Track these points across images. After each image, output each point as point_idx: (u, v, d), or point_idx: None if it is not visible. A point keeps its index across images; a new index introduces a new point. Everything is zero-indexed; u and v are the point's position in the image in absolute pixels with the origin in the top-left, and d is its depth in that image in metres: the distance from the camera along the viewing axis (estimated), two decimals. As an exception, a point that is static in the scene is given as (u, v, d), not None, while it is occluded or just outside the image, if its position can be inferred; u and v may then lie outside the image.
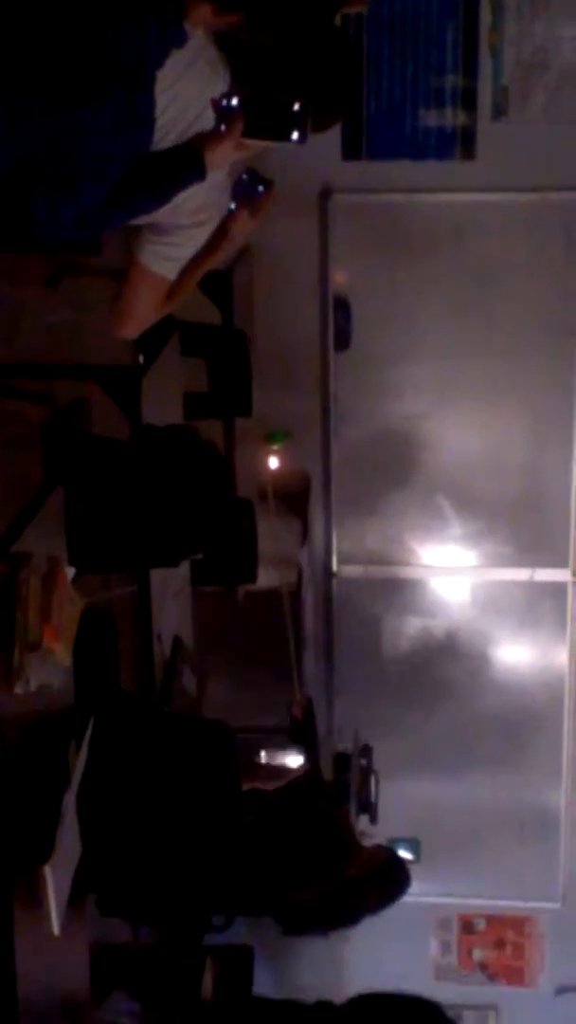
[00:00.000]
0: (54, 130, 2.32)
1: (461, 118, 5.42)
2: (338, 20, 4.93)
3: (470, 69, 5.36)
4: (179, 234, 2.69)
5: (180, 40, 2.25)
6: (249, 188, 2.68)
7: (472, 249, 5.53)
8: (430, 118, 5.43)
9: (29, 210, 2.43)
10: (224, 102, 2.42)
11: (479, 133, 5.43)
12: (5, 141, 2.30)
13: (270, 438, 5.39)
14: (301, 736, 4.91)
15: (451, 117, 5.42)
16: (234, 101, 2.42)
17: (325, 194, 5.49)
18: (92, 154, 2.35)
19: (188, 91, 2.51)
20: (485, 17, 5.31)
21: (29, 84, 2.28)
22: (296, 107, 2.40)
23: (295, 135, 2.43)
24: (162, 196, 2.50)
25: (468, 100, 5.40)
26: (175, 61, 2.39)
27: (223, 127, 2.43)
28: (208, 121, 2.49)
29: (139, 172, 2.42)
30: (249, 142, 2.45)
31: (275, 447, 5.40)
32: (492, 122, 5.42)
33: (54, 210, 2.42)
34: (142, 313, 2.78)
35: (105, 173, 2.40)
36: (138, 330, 2.84)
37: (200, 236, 2.72)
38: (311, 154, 5.04)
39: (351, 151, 5.45)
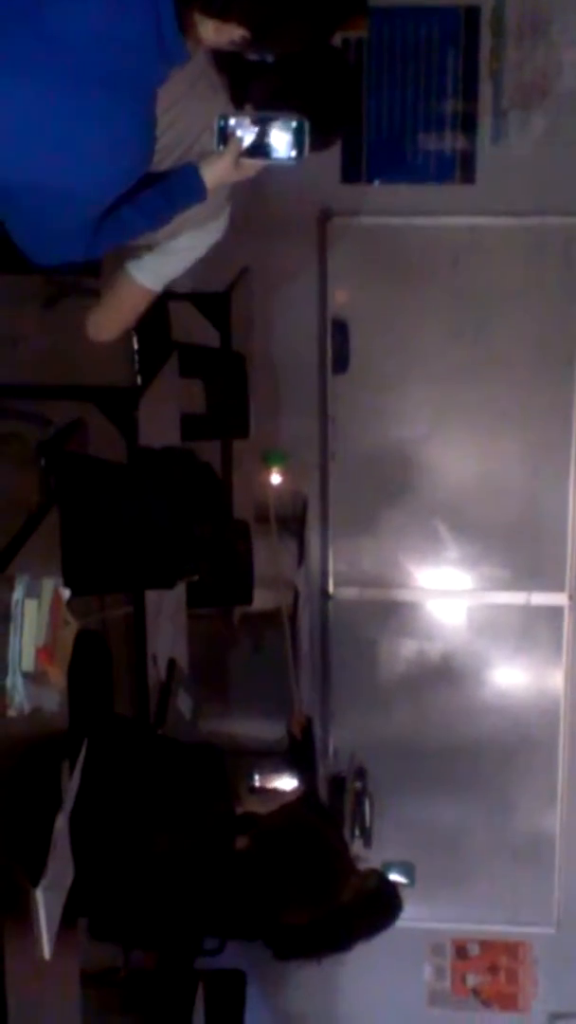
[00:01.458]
0: None
1: (461, 142, 5.44)
2: (339, 43, 4.98)
3: (470, 93, 5.38)
4: (176, 254, 2.70)
5: (182, 57, 2.24)
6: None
7: (471, 273, 5.54)
8: (430, 142, 5.45)
9: (23, 231, 2.43)
10: (222, 123, 2.42)
11: (478, 157, 5.45)
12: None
13: (267, 458, 5.38)
14: (299, 755, 4.89)
15: (451, 141, 5.44)
16: (232, 121, 2.42)
17: (324, 217, 5.50)
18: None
19: (188, 114, 2.51)
20: (485, 42, 5.34)
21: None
22: (294, 125, 2.40)
23: (293, 153, 2.42)
24: (161, 217, 2.51)
25: (468, 124, 5.42)
26: (176, 83, 2.39)
27: (221, 147, 2.43)
28: (208, 144, 2.49)
29: (138, 193, 2.42)
30: (248, 162, 2.45)
31: (272, 468, 5.40)
32: (492, 146, 5.44)
33: (51, 229, 2.42)
34: (126, 321, 2.87)
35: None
36: (118, 335, 2.90)
37: (195, 255, 2.74)
38: (310, 177, 5.13)
39: (351, 174, 5.47)
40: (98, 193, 2.34)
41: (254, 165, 2.47)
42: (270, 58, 2.46)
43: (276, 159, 2.44)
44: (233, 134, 2.41)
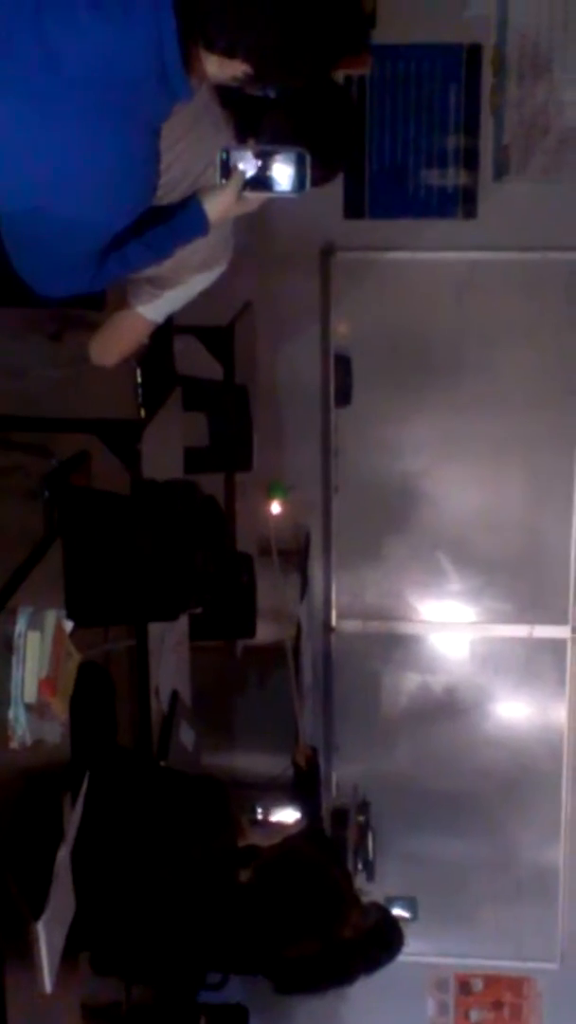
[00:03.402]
0: None
1: (463, 178, 5.47)
2: (341, 80, 5.01)
3: (472, 129, 5.42)
4: (179, 288, 2.73)
5: (185, 93, 2.27)
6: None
7: (473, 307, 5.56)
8: (432, 177, 5.48)
9: (28, 262, 2.46)
10: (224, 156, 2.43)
11: (480, 193, 5.48)
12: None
13: (271, 490, 5.40)
14: (304, 786, 4.88)
15: (453, 177, 5.47)
16: (234, 155, 2.43)
17: (327, 252, 5.53)
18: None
19: (192, 150, 2.53)
20: (487, 79, 5.37)
21: None
22: (296, 158, 2.42)
23: (295, 186, 2.44)
24: (164, 251, 2.52)
25: (470, 160, 5.45)
26: (179, 120, 2.41)
27: (223, 181, 2.44)
28: (212, 179, 2.51)
29: (142, 226, 2.44)
30: (251, 195, 2.46)
31: (276, 499, 5.41)
32: (493, 182, 5.47)
33: (55, 261, 2.44)
34: (126, 349, 2.94)
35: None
36: (117, 361, 2.98)
37: (199, 288, 2.76)
38: (313, 212, 5.17)
39: (353, 210, 5.50)
40: (101, 225, 2.36)
41: (257, 198, 2.48)
42: (272, 94, 2.48)
43: (278, 192, 2.45)
44: (235, 167, 2.43)
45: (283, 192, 2.44)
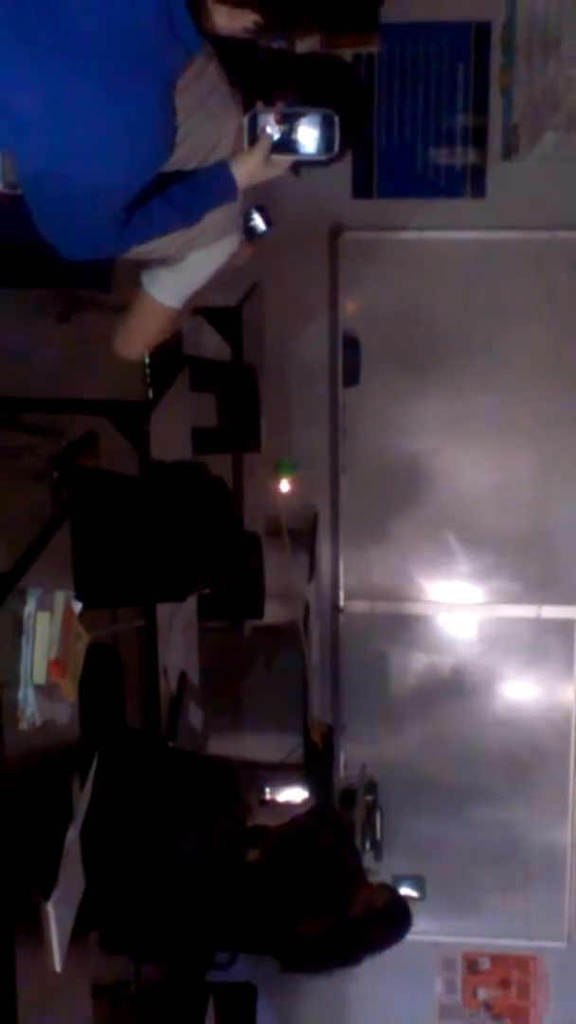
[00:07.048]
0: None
1: (472, 157, 5.45)
2: (350, 58, 5.00)
3: (481, 108, 5.40)
4: (192, 269, 2.72)
5: (195, 44, 2.27)
6: (252, 223, 2.69)
7: (482, 287, 5.55)
8: (441, 157, 5.47)
9: (52, 224, 2.46)
10: (252, 120, 2.44)
11: (489, 172, 5.46)
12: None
13: (279, 469, 5.39)
14: (318, 764, 4.88)
15: (461, 156, 5.46)
16: (260, 119, 2.44)
17: (336, 231, 5.52)
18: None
19: (202, 127, 2.52)
20: (496, 57, 5.35)
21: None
22: (323, 120, 2.42)
23: (323, 149, 2.44)
24: (191, 215, 2.52)
25: (478, 139, 5.44)
26: (189, 97, 2.41)
27: (251, 144, 2.45)
28: (223, 155, 2.51)
29: (168, 191, 2.44)
30: (278, 159, 2.46)
31: (284, 479, 5.41)
32: (502, 161, 5.45)
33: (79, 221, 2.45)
34: (151, 339, 2.88)
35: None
36: (145, 353, 2.97)
37: (211, 269, 2.75)
38: (322, 192, 5.15)
39: (362, 189, 5.49)
40: (122, 180, 2.36)
41: (284, 162, 2.48)
42: (283, 45, 2.48)
43: (305, 155, 2.45)
44: (263, 131, 2.43)
45: (310, 155, 2.45)
